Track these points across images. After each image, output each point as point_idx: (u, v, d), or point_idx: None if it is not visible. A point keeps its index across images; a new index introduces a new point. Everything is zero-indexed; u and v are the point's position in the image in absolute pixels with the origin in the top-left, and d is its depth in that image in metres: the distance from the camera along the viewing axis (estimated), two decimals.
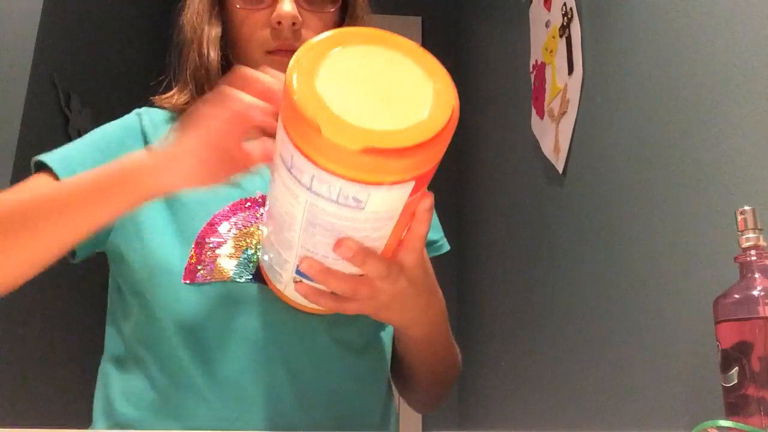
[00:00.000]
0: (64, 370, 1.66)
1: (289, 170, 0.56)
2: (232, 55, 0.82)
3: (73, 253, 0.75)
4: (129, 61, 2.22)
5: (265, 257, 0.66)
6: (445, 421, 2.26)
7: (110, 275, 0.81)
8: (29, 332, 1.50)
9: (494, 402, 1.80)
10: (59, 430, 0.76)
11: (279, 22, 0.76)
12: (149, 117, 0.82)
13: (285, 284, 0.65)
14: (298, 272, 0.62)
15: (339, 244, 0.58)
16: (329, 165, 0.55)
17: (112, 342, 0.78)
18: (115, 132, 0.80)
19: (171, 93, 0.84)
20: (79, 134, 0.74)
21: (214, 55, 0.81)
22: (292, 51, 0.74)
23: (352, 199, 0.57)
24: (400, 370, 0.84)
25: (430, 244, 0.87)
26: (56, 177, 0.72)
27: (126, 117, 0.83)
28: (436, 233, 0.90)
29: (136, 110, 0.84)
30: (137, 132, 0.81)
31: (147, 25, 2.42)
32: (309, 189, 0.57)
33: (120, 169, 0.62)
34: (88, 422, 0.79)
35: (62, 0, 1.68)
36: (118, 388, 0.73)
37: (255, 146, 0.62)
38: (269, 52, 0.77)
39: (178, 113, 0.82)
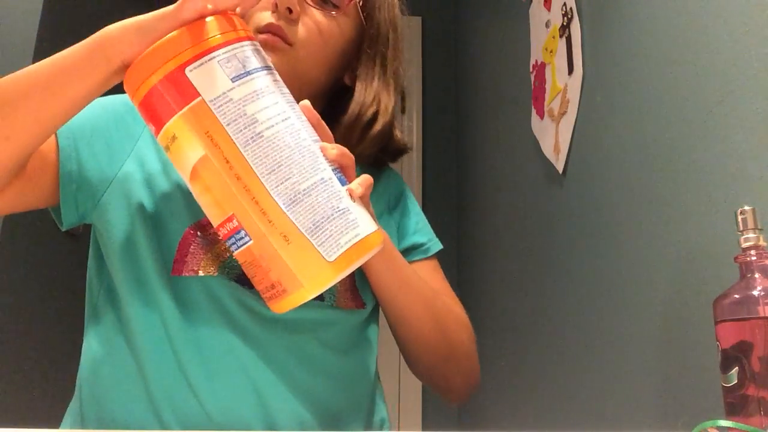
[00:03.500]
0: (64, 370, 1.66)
1: (247, 74, 0.60)
2: None
3: (61, 221, 0.75)
4: None
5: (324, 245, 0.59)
6: (445, 421, 2.26)
7: (95, 257, 0.79)
8: (29, 332, 1.50)
9: (494, 402, 1.80)
10: (59, 430, 0.76)
11: (276, 5, 0.76)
12: None
13: (358, 223, 0.60)
14: (340, 179, 0.62)
15: (306, 106, 0.64)
16: (237, 32, 0.62)
17: (95, 324, 0.76)
18: (117, 105, 0.79)
19: None
20: None
21: None
22: (279, 35, 0.76)
23: (264, 58, 0.64)
24: (397, 331, 0.81)
25: (415, 248, 0.87)
26: (56, 138, 0.72)
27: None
28: (423, 236, 0.88)
29: None
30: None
31: None
32: (261, 68, 0.62)
33: (89, 40, 0.63)
34: None
35: (62, 0, 1.68)
36: (104, 380, 0.72)
37: None
38: (258, 30, 0.76)
39: None
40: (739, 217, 0.61)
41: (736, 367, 0.57)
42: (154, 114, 0.60)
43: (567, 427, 1.29)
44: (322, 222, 0.58)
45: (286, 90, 0.63)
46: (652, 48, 1.04)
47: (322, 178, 0.60)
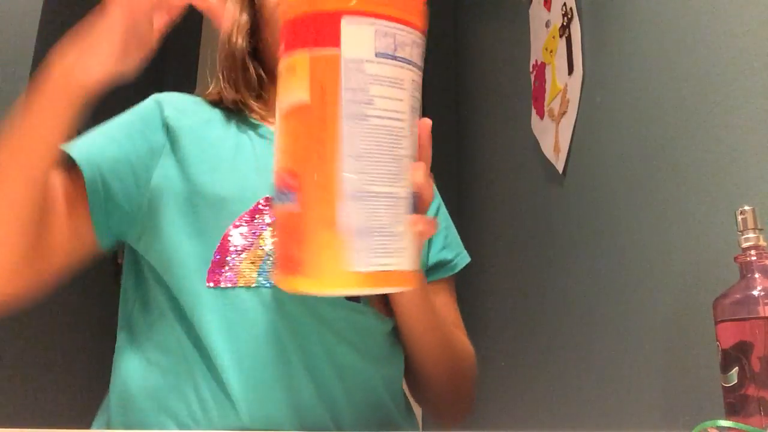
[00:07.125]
0: (65, 370, 1.66)
1: (393, 57, 0.56)
2: (260, 47, 0.82)
3: (101, 242, 0.74)
4: None
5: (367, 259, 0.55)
6: None
7: (131, 269, 0.79)
8: (29, 332, 1.50)
9: (494, 402, 1.80)
10: (59, 430, 0.76)
11: None
12: (172, 106, 0.80)
13: (401, 254, 0.56)
14: (410, 206, 0.57)
15: (425, 123, 0.60)
16: (415, 19, 0.58)
17: (130, 335, 0.76)
18: (135, 123, 0.78)
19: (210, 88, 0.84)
20: (78, 134, 0.73)
21: (241, 41, 0.80)
22: None
23: (419, 57, 0.59)
24: (411, 363, 0.82)
25: (442, 265, 0.86)
26: (78, 167, 0.71)
27: (144, 105, 0.80)
28: (450, 251, 0.88)
29: (155, 97, 0.81)
30: (157, 122, 0.78)
31: None
32: (410, 62, 0.57)
33: (44, 79, 0.63)
34: (90, 422, 0.79)
35: (62, 0, 1.68)
36: (138, 386, 0.72)
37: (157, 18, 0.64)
38: None
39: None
40: (739, 217, 0.61)
41: (736, 367, 0.57)
42: (293, 38, 0.57)
43: (567, 427, 1.29)
44: (369, 232, 0.55)
45: (418, 98, 0.59)
46: (652, 48, 1.04)
47: (395, 193, 0.56)
